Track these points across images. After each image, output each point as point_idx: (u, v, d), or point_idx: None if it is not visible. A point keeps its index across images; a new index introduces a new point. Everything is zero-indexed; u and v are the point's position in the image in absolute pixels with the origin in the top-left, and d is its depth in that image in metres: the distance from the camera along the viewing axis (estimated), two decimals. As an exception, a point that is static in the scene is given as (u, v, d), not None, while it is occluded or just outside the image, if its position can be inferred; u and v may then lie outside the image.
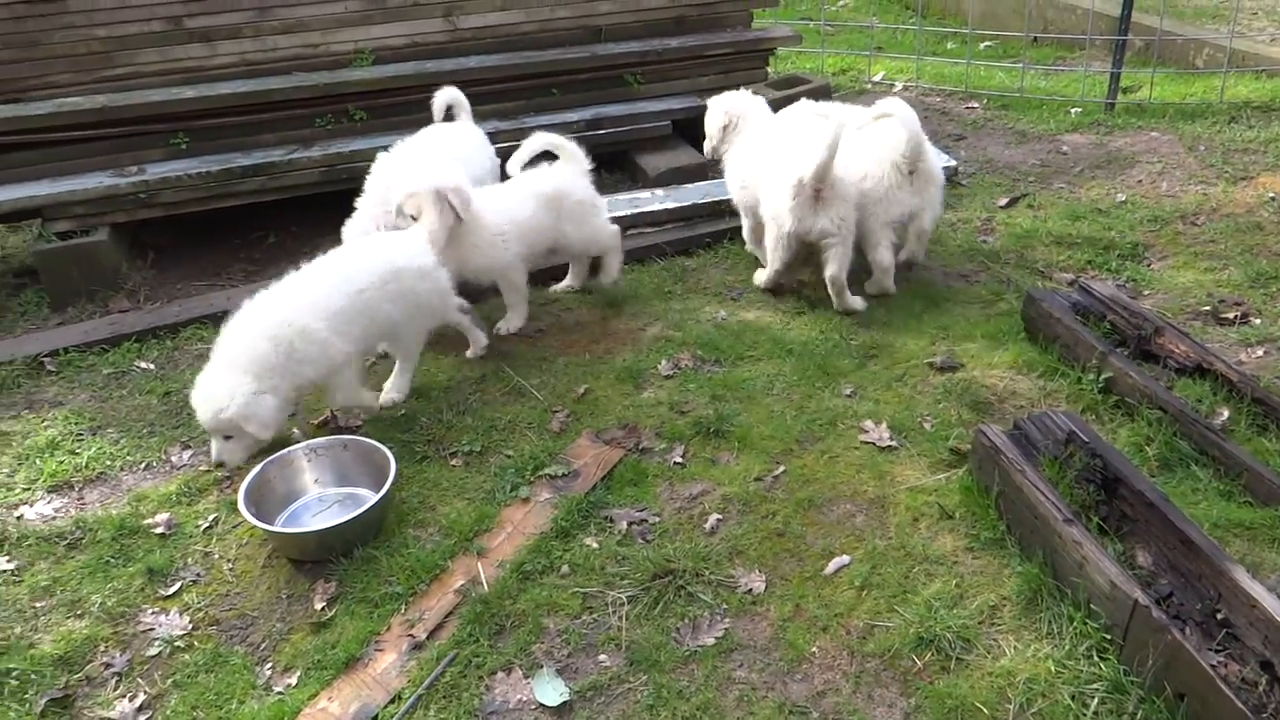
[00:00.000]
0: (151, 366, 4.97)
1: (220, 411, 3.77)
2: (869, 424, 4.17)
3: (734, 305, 5.24)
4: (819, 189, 4.70)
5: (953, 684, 2.99)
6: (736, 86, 6.56)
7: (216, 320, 5.19)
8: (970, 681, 2.99)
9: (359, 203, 5.02)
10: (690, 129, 6.72)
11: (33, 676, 3.25)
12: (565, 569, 3.53)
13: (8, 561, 3.75)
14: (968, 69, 8.75)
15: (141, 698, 3.17)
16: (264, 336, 3.88)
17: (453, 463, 4.12)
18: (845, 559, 3.49)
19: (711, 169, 6.50)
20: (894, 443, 4.06)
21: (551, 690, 3.07)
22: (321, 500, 3.94)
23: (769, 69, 7.53)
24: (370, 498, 3.84)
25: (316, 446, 4.02)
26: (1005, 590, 3.30)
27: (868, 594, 3.34)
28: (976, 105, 8.18)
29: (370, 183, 5.05)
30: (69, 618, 3.49)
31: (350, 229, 4.93)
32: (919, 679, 3.03)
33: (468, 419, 4.36)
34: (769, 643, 3.21)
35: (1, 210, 5.64)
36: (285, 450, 4.01)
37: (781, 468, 3.96)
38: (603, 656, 3.19)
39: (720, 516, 3.73)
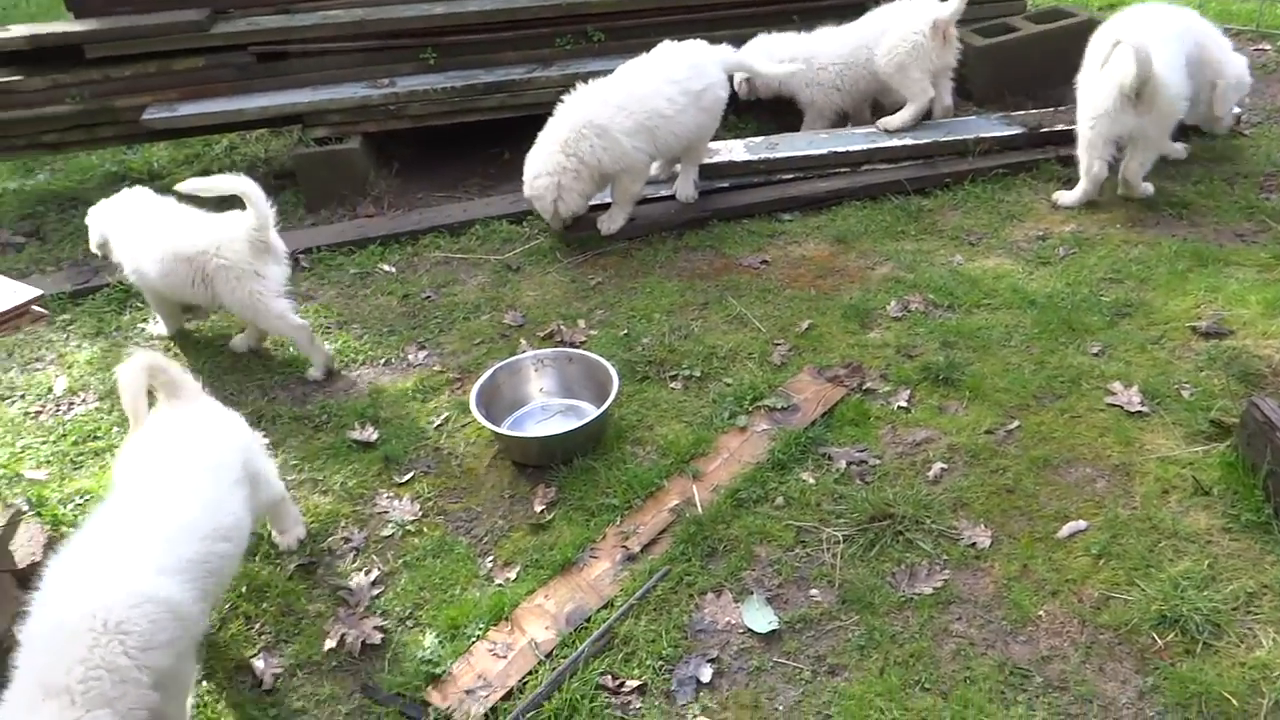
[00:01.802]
0: (393, 270, 5.29)
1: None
2: (1117, 386, 3.90)
3: (972, 250, 5.00)
4: (1139, 91, 4.73)
5: (1197, 668, 2.79)
6: (992, 19, 6.20)
7: (453, 230, 5.49)
8: (1218, 669, 2.79)
9: (541, 136, 5.06)
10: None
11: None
12: (780, 501, 3.52)
13: (265, 435, 4.12)
14: (1261, 6, 7.87)
15: (375, 573, 3.44)
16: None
17: (672, 385, 4.18)
18: (1081, 524, 3.30)
19: (959, 108, 6.18)
20: (1145, 408, 3.79)
21: (761, 617, 3.09)
22: (545, 409, 4.10)
23: (1027, 1, 7.05)
24: (591, 411, 3.96)
25: (544, 357, 4.18)
26: (1266, 578, 3.04)
27: (1105, 563, 3.16)
28: (1268, 48, 7.36)
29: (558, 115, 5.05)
30: (315, 493, 3.82)
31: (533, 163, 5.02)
32: (1158, 658, 2.85)
33: (689, 344, 4.40)
34: (991, 600, 3.10)
35: (268, 115, 6.12)
36: (515, 358, 4.19)
37: (1015, 423, 3.78)
38: (814, 591, 3.19)
39: (945, 466, 3.62)
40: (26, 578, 3.11)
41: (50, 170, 7.03)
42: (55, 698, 2.32)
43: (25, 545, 3.24)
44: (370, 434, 4.08)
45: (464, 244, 5.44)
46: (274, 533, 3.50)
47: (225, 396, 4.38)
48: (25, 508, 3.57)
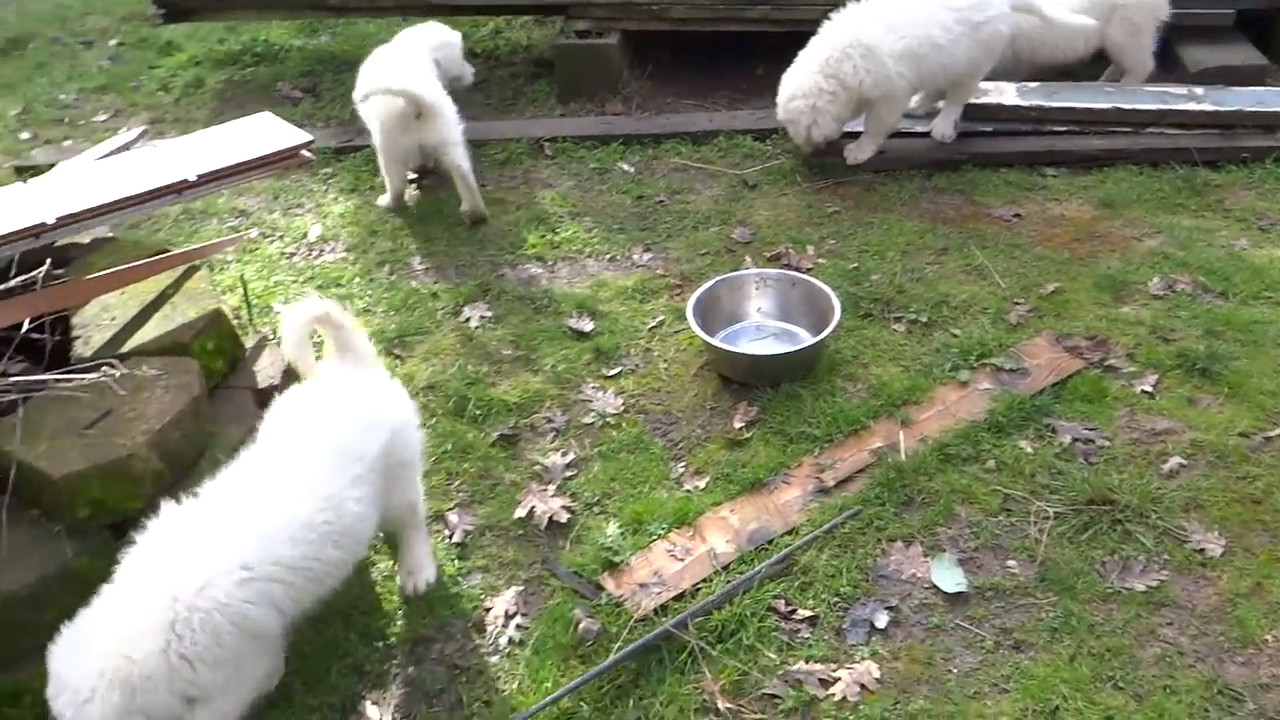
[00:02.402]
0: (630, 169, 5.34)
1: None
2: None
3: (1261, 236, 4.50)
4: None
5: None
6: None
7: (695, 139, 5.46)
8: None
9: (801, 55, 4.86)
10: (1258, 26, 5.74)
11: (492, 412, 3.74)
12: (991, 464, 3.35)
13: (488, 309, 4.31)
14: None
15: (571, 456, 3.54)
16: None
17: (895, 327, 4.03)
18: (1337, 553, 2.97)
19: (1271, 75, 5.53)
20: None
21: (950, 576, 2.98)
22: (760, 329, 4.06)
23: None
24: (806, 338, 3.89)
25: (767, 277, 4.12)
26: None
27: (1356, 601, 2.83)
28: None
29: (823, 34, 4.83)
30: (525, 371, 3.96)
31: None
32: (1402, 715, 2.54)
33: (920, 287, 4.22)
34: (1211, 612, 2.85)
35: (537, 1, 6.25)
36: (737, 274, 4.16)
37: (1277, 430, 3.41)
38: (1012, 563, 3.03)
39: (1184, 461, 3.32)
40: (265, 397, 3.40)
41: (332, 33, 7.49)
42: (103, 655, 2.28)
43: (266, 369, 3.54)
44: (586, 324, 4.17)
45: (704, 154, 5.40)
46: (400, 572, 3.07)
47: (456, 266, 4.60)
48: (270, 336, 3.90)
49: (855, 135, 5.11)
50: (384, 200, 5.12)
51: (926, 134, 5.20)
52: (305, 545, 2.49)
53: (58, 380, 2.98)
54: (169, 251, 3.67)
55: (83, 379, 2.98)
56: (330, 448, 2.62)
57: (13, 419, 2.90)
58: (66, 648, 2.32)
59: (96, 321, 3.38)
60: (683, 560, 3.09)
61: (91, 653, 2.28)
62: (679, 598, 2.98)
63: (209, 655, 2.33)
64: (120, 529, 2.65)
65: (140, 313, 3.39)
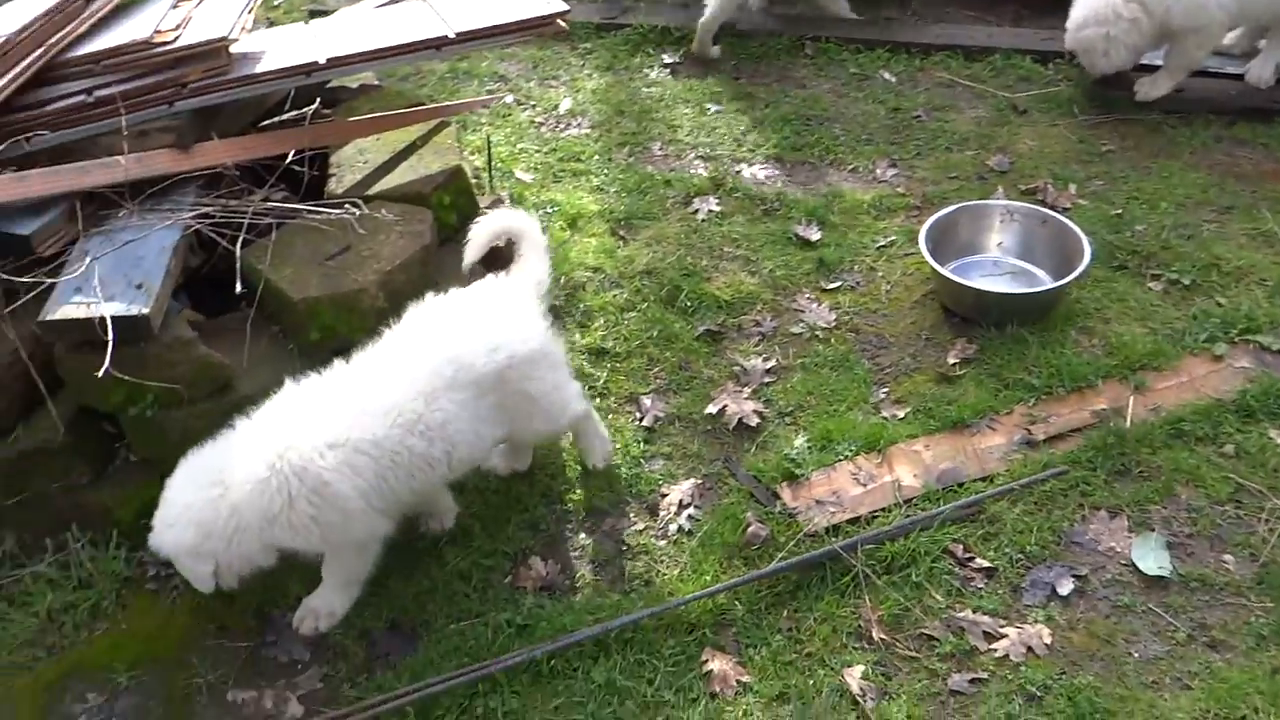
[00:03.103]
0: (892, 79, 5.10)
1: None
2: None
3: None
4: None
5: None
6: None
7: (968, 53, 5.13)
8: None
9: None
10: None
11: (703, 306, 3.77)
12: (1229, 449, 3.06)
13: (717, 204, 4.30)
14: None
15: (773, 362, 3.53)
16: None
17: (1150, 285, 3.70)
18: None
19: None
20: None
21: (1153, 558, 2.78)
22: (996, 265, 3.84)
23: None
24: (1046, 281, 3.65)
25: (1015, 211, 3.87)
26: None
27: None
28: None
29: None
30: (742, 271, 3.95)
31: None
32: None
33: (1190, 246, 3.83)
34: None
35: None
36: (983, 203, 3.94)
37: None
38: (1228, 558, 2.79)
39: None
40: (489, 257, 3.57)
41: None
42: (197, 492, 2.52)
43: (497, 230, 3.70)
44: (814, 233, 4.09)
45: (974, 71, 5.07)
46: (580, 451, 3.20)
47: (695, 156, 4.61)
48: (506, 200, 4.06)
49: (1151, 69, 4.63)
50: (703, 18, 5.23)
51: (1238, 76, 4.64)
52: (389, 430, 2.57)
53: (310, 212, 3.25)
54: (424, 105, 3.88)
55: (330, 214, 3.23)
56: (441, 351, 2.66)
57: (267, 241, 3.20)
58: (182, 473, 2.57)
59: (351, 163, 3.64)
60: (865, 485, 3.05)
61: (191, 486, 2.52)
62: (853, 521, 2.95)
63: (289, 517, 2.51)
64: (344, 355, 2.89)
65: (389, 160, 3.62)
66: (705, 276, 3.92)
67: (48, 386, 2.92)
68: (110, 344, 2.70)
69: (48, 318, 2.79)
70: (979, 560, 2.81)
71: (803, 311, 3.75)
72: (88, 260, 2.93)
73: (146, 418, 2.88)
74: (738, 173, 4.52)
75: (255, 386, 2.97)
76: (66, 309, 2.80)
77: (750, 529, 2.92)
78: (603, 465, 3.16)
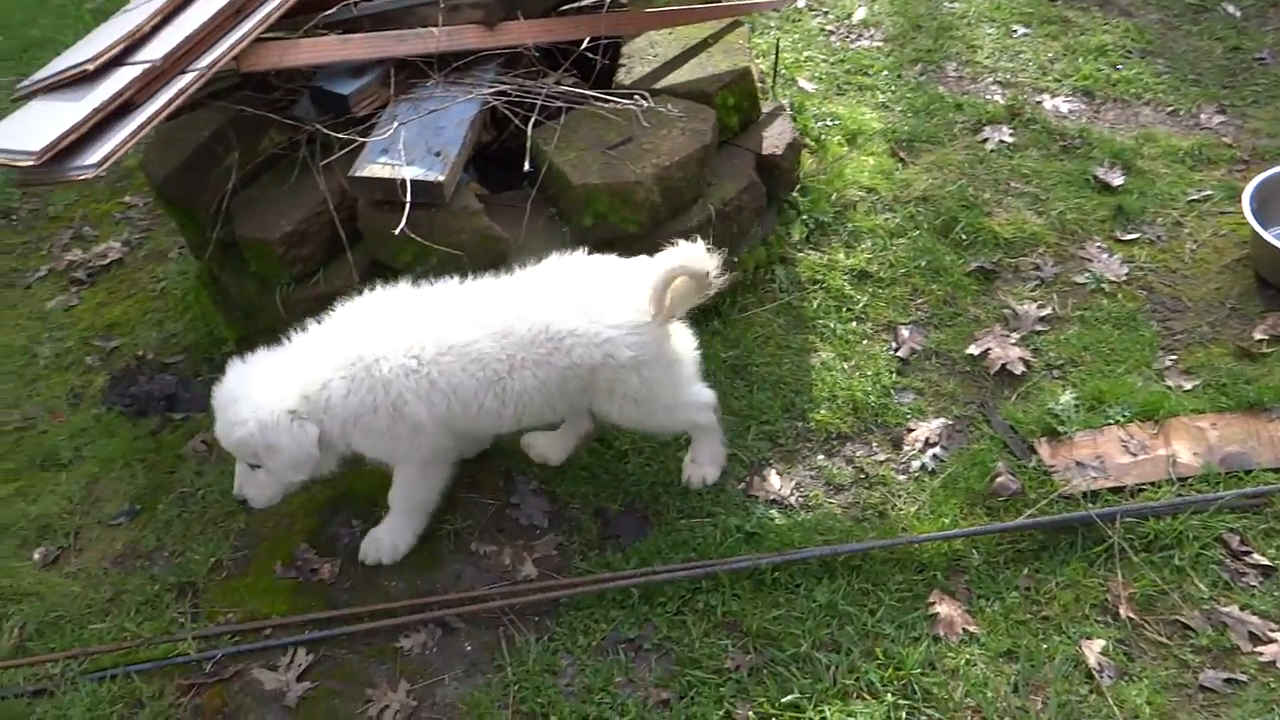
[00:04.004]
0: (1237, 13, 4.55)
1: None
2: None
3: None
4: None
5: None
6: None
7: (1338, -10, 4.48)
8: None
9: None
10: None
11: (979, 241, 3.58)
12: None
13: (1010, 134, 4.04)
14: None
15: (1048, 310, 3.32)
16: None
17: None
18: None
19: None
20: None
21: None
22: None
23: None
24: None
25: (1366, 177, 3.39)
26: None
27: None
28: None
29: None
30: (1028, 210, 3.70)
31: None
32: None
33: None
34: None
35: None
36: (1327, 163, 3.48)
37: None
38: None
39: None
40: (765, 164, 3.53)
41: None
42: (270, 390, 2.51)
43: (774, 137, 3.63)
44: (1116, 178, 3.77)
45: (1341, 12, 4.44)
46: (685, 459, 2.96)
47: (993, 81, 4.32)
48: (786, 107, 3.98)
49: None
50: None
51: None
52: (468, 378, 2.52)
53: (598, 99, 3.31)
54: (720, 2, 3.83)
55: (618, 103, 3.28)
56: (545, 325, 2.52)
57: (555, 125, 3.29)
58: (255, 370, 2.57)
59: (641, 54, 3.66)
60: (1134, 455, 2.84)
61: (265, 383, 2.52)
62: (1116, 491, 2.76)
63: (363, 423, 2.53)
64: (610, 245, 2.95)
65: (679, 55, 3.61)
66: (986, 210, 3.71)
67: (348, 238, 3.18)
68: (407, 205, 2.90)
69: (357, 174, 3.02)
70: (1256, 556, 2.57)
71: (1090, 260, 3.48)
72: (395, 125, 3.12)
73: (429, 277, 3.07)
74: (1038, 103, 4.21)
75: (528, 264, 3.10)
76: (373, 167, 3.01)
77: (999, 479, 2.80)
78: (695, 486, 2.92)
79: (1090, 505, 2.70)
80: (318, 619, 2.71)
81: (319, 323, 2.64)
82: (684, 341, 2.75)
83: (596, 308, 2.54)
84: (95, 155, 2.70)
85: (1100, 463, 2.83)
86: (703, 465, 2.93)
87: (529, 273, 2.67)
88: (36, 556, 3.02)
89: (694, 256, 2.54)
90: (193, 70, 3.00)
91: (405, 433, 2.56)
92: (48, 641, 2.77)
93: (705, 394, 2.85)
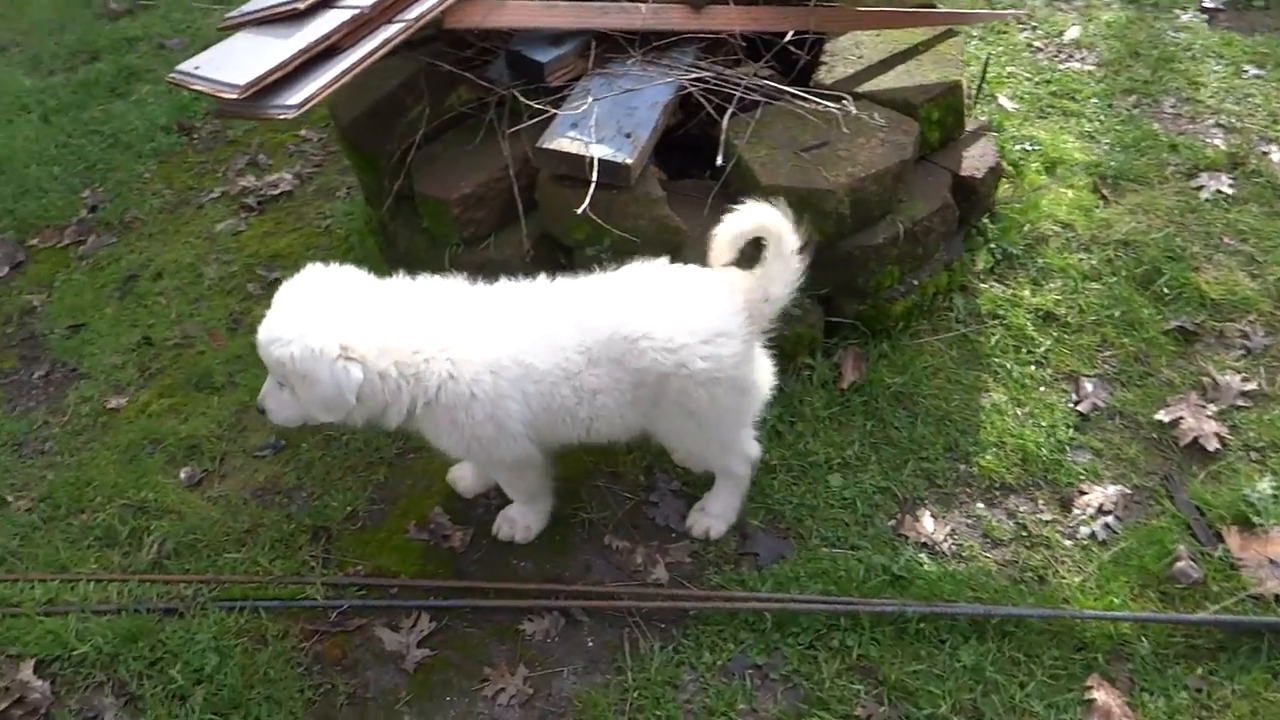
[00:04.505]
0: None
1: None
2: None
3: None
4: None
5: None
6: None
7: None
8: None
9: None
10: None
11: (1182, 298, 3.34)
12: None
13: (1230, 184, 3.75)
14: None
15: (1253, 385, 3.07)
16: None
17: None
18: None
19: None
20: None
21: None
22: None
23: None
24: None
25: None
26: None
27: None
28: None
29: None
30: (1241, 270, 3.44)
31: None
32: None
33: None
34: None
35: None
36: None
37: None
38: None
39: None
40: (962, 185, 3.37)
41: None
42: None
43: (974, 158, 3.46)
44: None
45: None
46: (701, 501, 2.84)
47: (1214, 124, 4.03)
48: (990, 127, 3.79)
49: None
50: None
51: None
52: (550, 368, 2.41)
53: (799, 97, 3.20)
54: (936, 8, 3.66)
55: (819, 104, 3.17)
56: (623, 324, 2.40)
57: (750, 118, 3.20)
58: (333, 285, 2.41)
59: (845, 54, 3.52)
60: (1340, 564, 2.60)
61: (336, 307, 2.33)
62: (1313, 600, 2.54)
63: (451, 415, 2.40)
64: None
65: (886, 59, 3.46)
66: (1193, 265, 3.46)
67: (523, 208, 3.16)
68: (592, 184, 2.85)
69: (545, 145, 2.98)
70: None
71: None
72: (589, 100, 3.08)
73: (599, 259, 3.03)
74: (1265, 154, 3.90)
75: (702, 258, 3.00)
76: (562, 141, 2.98)
77: (1179, 564, 2.61)
78: (697, 535, 2.79)
79: (1280, 610, 2.49)
80: (444, 587, 2.71)
81: (437, 283, 2.50)
82: (763, 373, 2.61)
83: (675, 313, 2.41)
84: (296, 97, 2.74)
85: (1298, 566, 2.60)
86: (712, 517, 2.80)
87: (615, 274, 2.54)
88: (182, 475, 3.13)
89: (769, 217, 2.39)
90: (400, 21, 3.03)
91: (489, 435, 2.44)
92: (183, 562, 2.87)
93: (755, 446, 2.76)
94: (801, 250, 2.45)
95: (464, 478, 2.95)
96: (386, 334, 2.34)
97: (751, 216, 2.42)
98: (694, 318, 2.40)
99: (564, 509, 2.86)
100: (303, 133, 4.74)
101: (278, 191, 4.43)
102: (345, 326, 2.30)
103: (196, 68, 2.93)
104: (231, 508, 3.01)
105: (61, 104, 5.16)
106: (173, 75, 2.97)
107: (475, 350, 2.38)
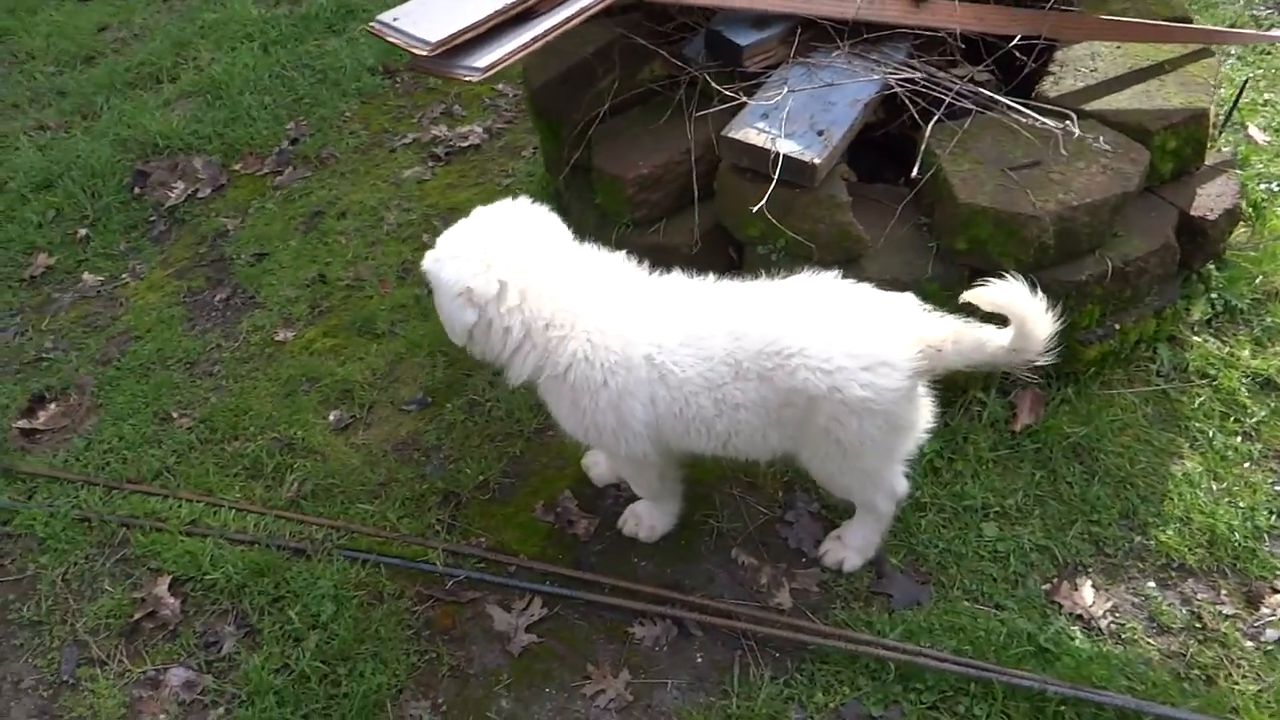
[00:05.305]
0: None
1: None
2: None
3: None
4: None
5: None
6: None
7: None
8: None
9: None
10: None
11: None
12: None
13: None
14: None
15: None
16: None
17: None
18: None
19: None
20: None
21: None
22: None
23: None
24: None
25: None
26: None
27: None
28: None
29: None
30: None
31: None
32: None
33: None
34: None
35: None
36: None
37: None
38: None
39: None
40: (1191, 225, 3.07)
41: None
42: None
43: (1210, 196, 3.14)
44: None
45: None
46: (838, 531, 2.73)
47: None
48: (1233, 161, 3.44)
49: None
50: None
51: None
52: (686, 383, 2.32)
53: (1013, 108, 2.99)
54: (1191, 23, 3.33)
55: (1036, 119, 2.95)
56: (778, 338, 2.26)
57: (957, 126, 3.00)
58: (498, 225, 2.41)
59: (1077, 65, 3.27)
60: None
61: (488, 246, 2.33)
62: None
63: (573, 396, 2.39)
64: (978, 275, 2.65)
65: (1123, 75, 3.19)
66: None
67: (700, 195, 3.08)
68: (774, 181, 2.75)
69: (731, 134, 2.90)
70: None
71: None
72: (785, 91, 2.97)
73: (770, 259, 2.93)
74: None
75: (881, 270, 2.89)
76: (749, 132, 2.88)
77: (1379, 694, 2.32)
78: (829, 565, 2.68)
79: None
80: (560, 574, 2.71)
81: (606, 259, 2.49)
82: (923, 413, 2.45)
83: (837, 332, 2.26)
84: (484, 59, 2.76)
85: None
86: (849, 548, 2.68)
87: (781, 282, 2.43)
88: (332, 418, 3.25)
89: (1022, 302, 2.21)
90: (600, -12, 2.99)
91: (609, 425, 2.41)
92: (318, 505, 2.98)
93: (903, 483, 2.61)
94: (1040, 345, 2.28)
95: (598, 464, 2.93)
96: (527, 293, 2.33)
97: (1003, 295, 2.25)
98: (857, 340, 2.25)
99: (694, 514, 2.80)
100: (500, 86, 4.82)
101: (466, 144, 4.52)
102: (486, 270, 2.31)
103: (395, 19, 2.98)
104: (371, 458, 3.10)
105: (281, 35, 5.42)
106: (372, 24, 3.04)
107: (617, 339, 2.34)
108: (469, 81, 2.75)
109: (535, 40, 2.81)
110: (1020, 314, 2.24)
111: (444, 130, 4.60)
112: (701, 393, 2.34)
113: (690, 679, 2.51)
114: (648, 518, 2.76)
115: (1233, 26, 4.34)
